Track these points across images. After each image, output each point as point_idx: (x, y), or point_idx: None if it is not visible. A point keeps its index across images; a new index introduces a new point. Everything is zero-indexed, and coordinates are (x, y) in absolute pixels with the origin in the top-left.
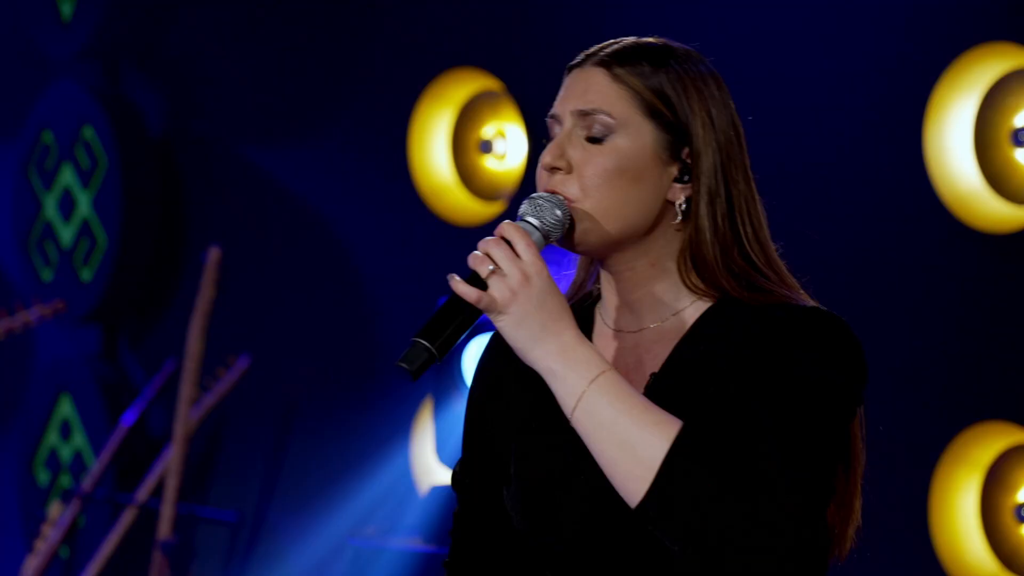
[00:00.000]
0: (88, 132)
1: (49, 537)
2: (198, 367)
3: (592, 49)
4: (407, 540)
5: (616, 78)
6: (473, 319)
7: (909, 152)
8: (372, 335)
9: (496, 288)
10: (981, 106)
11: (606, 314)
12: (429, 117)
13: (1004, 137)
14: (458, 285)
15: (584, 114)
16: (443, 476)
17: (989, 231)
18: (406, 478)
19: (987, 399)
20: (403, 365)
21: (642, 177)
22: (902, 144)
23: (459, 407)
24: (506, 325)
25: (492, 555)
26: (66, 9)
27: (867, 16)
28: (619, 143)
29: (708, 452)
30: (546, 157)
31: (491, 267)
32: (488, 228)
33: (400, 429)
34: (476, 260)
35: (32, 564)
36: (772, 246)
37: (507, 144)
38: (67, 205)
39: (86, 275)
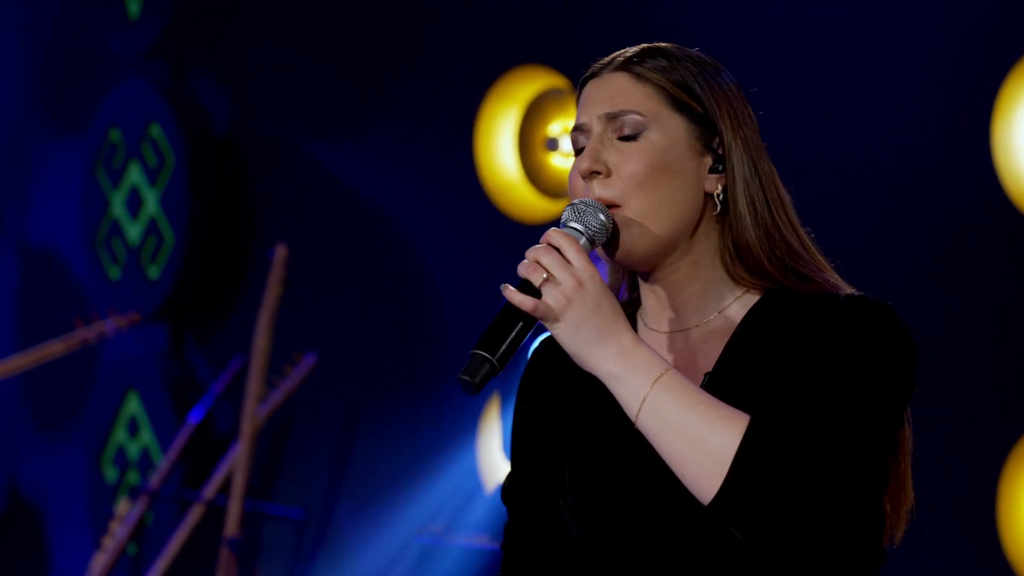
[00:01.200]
0: (155, 130)
1: (117, 534)
2: (265, 364)
3: (605, 59)
4: (473, 538)
5: (639, 77)
6: (530, 327)
7: (977, 149)
8: (438, 332)
9: (550, 296)
10: None
11: (648, 318)
12: (495, 115)
13: None
14: (512, 295)
15: (613, 116)
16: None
17: None
18: (473, 475)
19: None
20: (465, 378)
21: (681, 170)
22: (969, 141)
23: None
24: (562, 332)
25: (544, 567)
26: (133, 8)
27: (934, 13)
28: (653, 139)
29: (776, 444)
30: (583, 163)
31: (544, 275)
32: (554, 225)
33: (467, 426)
34: (527, 268)
35: (100, 561)
36: (803, 232)
37: None
38: (134, 203)
39: (153, 273)
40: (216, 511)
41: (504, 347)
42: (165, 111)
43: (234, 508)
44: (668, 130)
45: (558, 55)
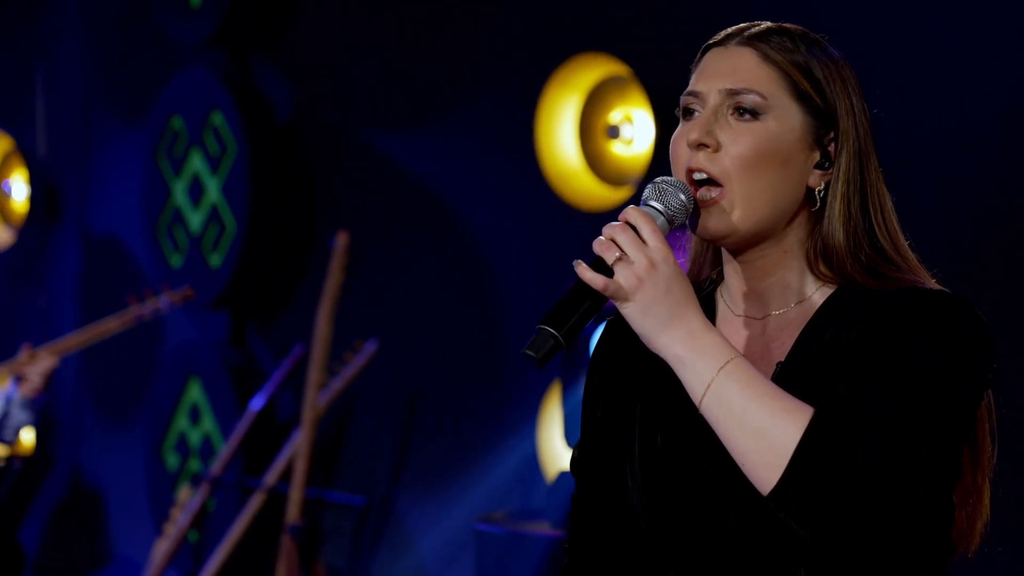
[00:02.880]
0: (217, 118)
1: (178, 521)
2: (326, 352)
3: (734, 29)
4: (534, 525)
5: (766, 58)
6: (599, 306)
7: None
8: (499, 320)
9: (622, 275)
10: None
11: (729, 299)
12: (557, 102)
13: None
14: (584, 272)
15: (733, 93)
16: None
17: None
18: (533, 463)
19: None
20: (529, 353)
21: (789, 161)
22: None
23: None
24: (632, 312)
25: (611, 541)
26: None
27: (1003, 10)
28: (769, 124)
29: (841, 439)
30: (692, 133)
31: (617, 254)
32: (615, 213)
33: (527, 414)
34: (601, 246)
35: (161, 547)
36: (902, 236)
37: (634, 129)
38: (196, 191)
39: (215, 261)
40: (277, 498)
41: (571, 323)
42: (226, 99)
43: (295, 495)
44: (785, 118)
45: (619, 42)
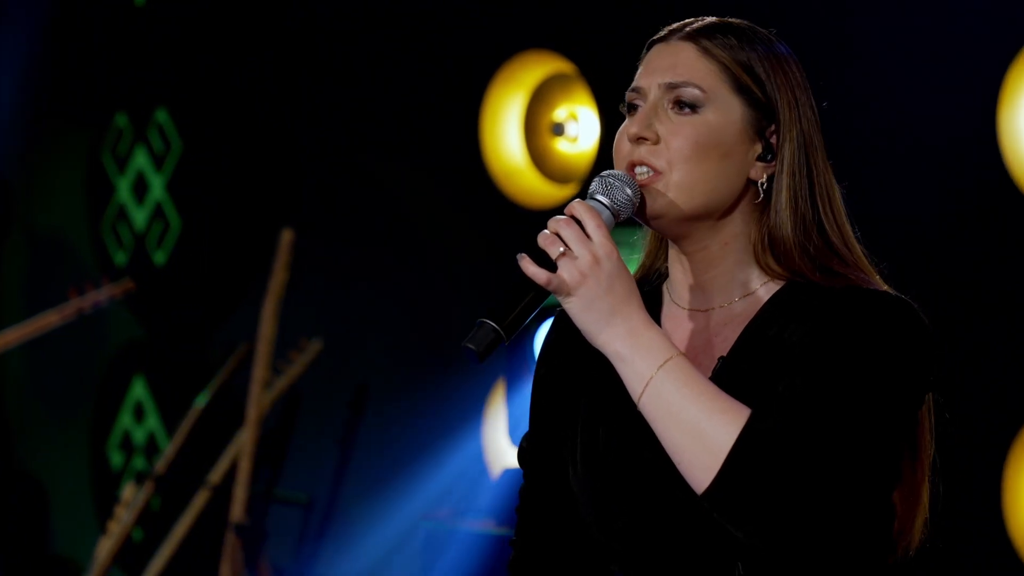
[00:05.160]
0: (161, 116)
1: (123, 519)
2: (271, 350)
3: (677, 24)
4: (479, 523)
5: (705, 52)
6: (541, 300)
7: (984, 136)
8: (444, 317)
9: (566, 270)
10: None
11: (674, 293)
12: (501, 100)
13: None
14: (528, 266)
15: (673, 87)
16: (515, 458)
17: None
18: (478, 460)
19: None
20: (470, 346)
21: (729, 153)
22: (977, 128)
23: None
24: (574, 307)
25: (558, 533)
26: None
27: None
28: (708, 117)
29: (775, 441)
30: (632, 127)
31: (561, 248)
32: (560, 210)
33: (472, 411)
34: (546, 240)
35: (106, 546)
36: (850, 230)
37: (579, 127)
38: (140, 188)
39: (159, 258)
40: (222, 496)
41: (512, 317)
42: (171, 97)
43: (240, 493)
44: (724, 111)
45: (564, 40)
